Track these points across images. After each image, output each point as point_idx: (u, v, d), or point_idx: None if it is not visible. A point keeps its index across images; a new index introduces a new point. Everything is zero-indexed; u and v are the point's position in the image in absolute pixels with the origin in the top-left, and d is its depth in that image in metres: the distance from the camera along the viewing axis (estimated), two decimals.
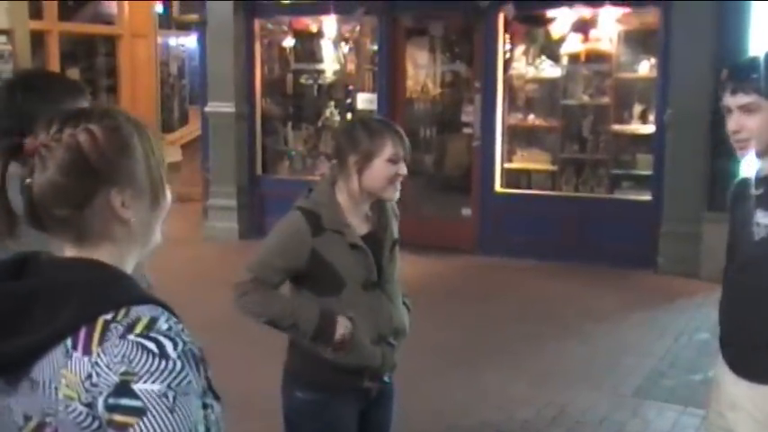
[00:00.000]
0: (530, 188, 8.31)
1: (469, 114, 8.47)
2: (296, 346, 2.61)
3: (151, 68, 14.43)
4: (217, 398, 1.27)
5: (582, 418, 4.51)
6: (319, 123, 9.25)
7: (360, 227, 2.55)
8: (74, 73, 13.24)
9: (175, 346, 1.17)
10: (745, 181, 2.28)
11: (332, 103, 9.17)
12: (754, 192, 2.21)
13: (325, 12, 8.72)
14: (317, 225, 2.48)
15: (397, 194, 2.53)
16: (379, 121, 2.59)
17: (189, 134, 11.29)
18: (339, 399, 2.55)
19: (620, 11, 7.79)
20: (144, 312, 1.19)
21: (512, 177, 8.36)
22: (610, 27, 7.87)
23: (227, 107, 8.90)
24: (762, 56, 2.20)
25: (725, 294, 2.32)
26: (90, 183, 1.23)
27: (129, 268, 1.30)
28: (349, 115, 8.83)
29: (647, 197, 7.73)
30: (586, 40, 8.05)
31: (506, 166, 8.33)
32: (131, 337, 1.15)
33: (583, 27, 8.01)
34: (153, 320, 1.18)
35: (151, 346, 1.15)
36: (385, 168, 2.48)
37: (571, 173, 8.17)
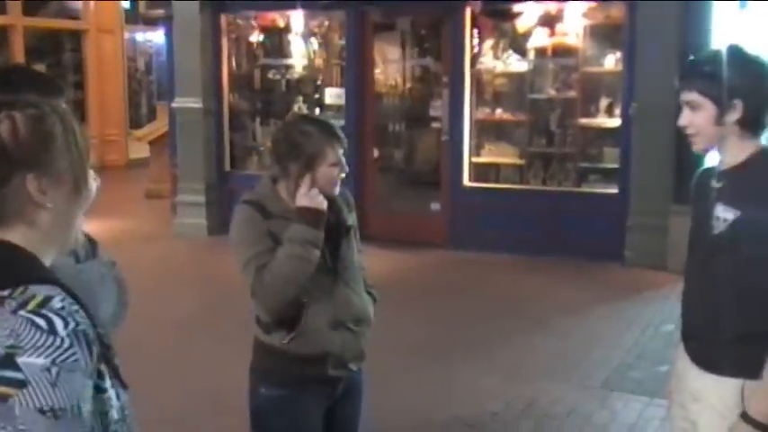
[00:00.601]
0: (498, 182, 8.32)
1: (438, 109, 8.47)
2: (260, 342, 2.61)
3: (118, 64, 14.30)
4: (124, 386, 1.33)
5: (550, 411, 4.53)
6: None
7: None
8: (39, 69, 13.06)
9: (66, 324, 1.20)
10: (708, 171, 2.30)
11: (300, 98, 9.12)
12: (715, 185, 2.22)
13: (292, 6, 8.67)
14: (263, 211, 2.53)
15: (337, 190, 2.58)
16: (317, 123, 2.58)
17: (157, 130, 11.16)
18: (304, 394, 2.56)
19: (585, 5, 7.84)
20: (40, 291, 1.22)
21: (480, 171, 8.37)
22: (576, 22, 7.91)
23: (195, 103, 8.83)
24: (704, 54, 2.24)
25: (686, 287, 2.34)
26: (4, 166, 1.26)
27: (45, 255, 1.32)
28: (317, 110, 8.79)
29: (614, 190, 7.77)
30: (553, 34, 8.07)
31: (474, 160, 8.34)
32: (22, 312, 1.19)
33: (549, 21, 8.04)
34: (47, 299, 1.21)
35: (41, 322, 1.19)
36: (327, 173, 2.52)
37: (539, 167, 8.20)
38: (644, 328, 5.87)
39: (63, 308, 1.21)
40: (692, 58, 2.29)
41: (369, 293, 2.75)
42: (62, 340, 1.18)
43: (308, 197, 2.49)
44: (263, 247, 2.50)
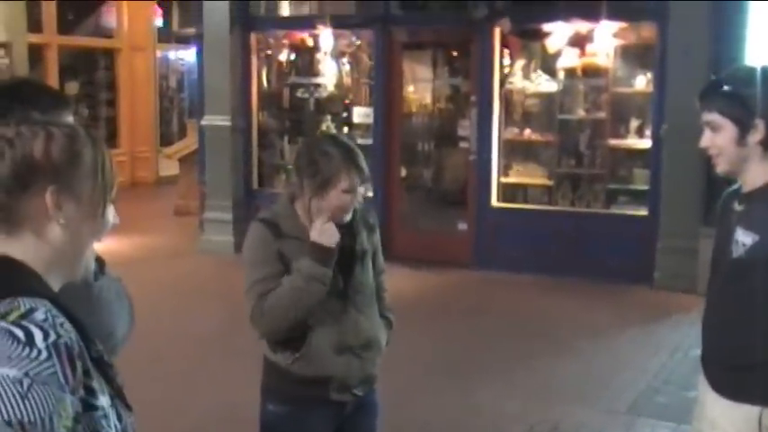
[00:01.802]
0: (526, 203, 8.31)
1: (466, 129, 8.48)
2: (268, 361, 2.62)
3: (150, 82, 14.49)
4: (128, 408, 1.31)
5: None
6: None
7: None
8: (73, 86, 13.30)
9: (46, 336, 1.18)
10: (733, 193, 2.28)
11: (329, 117, 9.17)
12: (737, 207, 2.20)
13: (321, 25, 8.74)
14: (276, 231, 2.53)
15: (348, 217, 2.55)
16: (341, 147, 2.53)
17: (186, 147, 11.28)
18: (309, 412, 2.56)
19: (616, 25, 7.81)
20: (25, 303, 1.22)
21: (508, 192, 8.35)
22: (606, 42, 7.88)
23: (224, 121, 8.92)
24: (725, 74, 2.22)
25: (706, 311, 2.31)
26: (28, 173, 1.29)
27: (51, 273, 1.33)
28: (345, 129, 8.85)
29: (643, 212, 7.72)
30: (583, 54, 8.06)
31: (503, 180, 8.33)
32: (2, 323, 1.18)
33: (579, 41, 8.02)
34: (30, 310, 1.21)
35: (19, 333, 1.18)
36: (338, 198, 2.50)
37: (567, 188, 8.17)
38: (672, 352, 5.80)
39: (46, 320, 1.20)
40: (713, 77, 2.28)
41: (385, 318, 2.74)
42: (39, 352, 1.17)
43: (322, 232, 2.48)
44: (269, 270, 2.51)
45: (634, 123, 8.01)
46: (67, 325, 1.23)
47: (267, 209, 2.63)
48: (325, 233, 2.48)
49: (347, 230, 2.59)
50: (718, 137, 2.16)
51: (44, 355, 1.17)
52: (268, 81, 9.46)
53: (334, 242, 2.48)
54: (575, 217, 7.97)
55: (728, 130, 2.14)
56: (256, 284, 2.52)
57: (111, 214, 1.40)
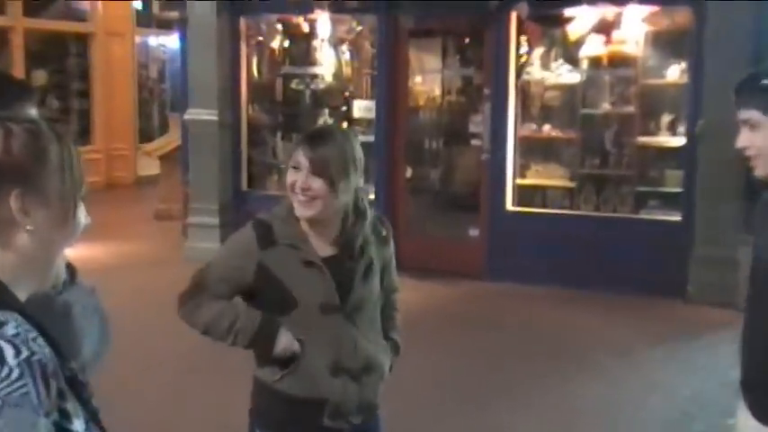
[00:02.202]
0: (545, 207, 8.32)
1: (479, 124, 8.49)
2: (256, 380, 2.65)
3: (128, 71, 14.51)
4: (101, 429, 1.31)
5: None
6: None
7: (323, 248, 2.58)
8: (41, 76, 13.30)
9: (17, 353, 1.18)
10: None
11: (326, 111, 9.21)
12: None
13: (318, 9, 8.76)
14: (266, 237, 2.54)
15: (307, 212, 2.51)
16: (313, 129, 2.66)
17: (168, 144, 11.30)
18: None
19: (647, 9, 7.80)
20: None
21: (525, 195, 8.37)
22: (635, 28, 7.89)
23: (210, 115, 8.94)
24: (766, 67, 2.22)
25: (746, 328, 2.32)
26: None
27: (20, 284, 1.33)
28: (345, 124, 8.86)
29: (675, 217, 7.73)
30: (609, 42, 8.06)
31: (519, 182, 8.35)
32: None
33: (605, 28, 8.03)
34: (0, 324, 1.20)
35: None
36: (288, 174, 2.54)
37: (591, 190, 8.18)
38: (708, 373, 5.80)
39: (17, 335, 1.20)
40: (751, 71, 2.28)
41: (391, 340, 2.75)
42: (10, 370, 1.16)
43: (286, 340, 2.51)
44: (225, 274, 2.58)
45: (666, 119, 8.02)
46: (40, 340, 1.23)
47: (267, 211, 2.65)
48: (284, 342, 2.52)
49: (352, 244, 2.59)
50: (757, 136, 2.17)
51: (16, 373, 1.16)
52: (259, 71, 9.48)
53: (282, 347, 2.51)
54: (599, 223, 7.98)
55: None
56: (204, 273, 2.61)
57: (82, 215, 1.40)
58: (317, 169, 2.46)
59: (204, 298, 2.59)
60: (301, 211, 2.51)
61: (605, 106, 8.25)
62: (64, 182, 1.35)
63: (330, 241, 2.59)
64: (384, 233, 2.70)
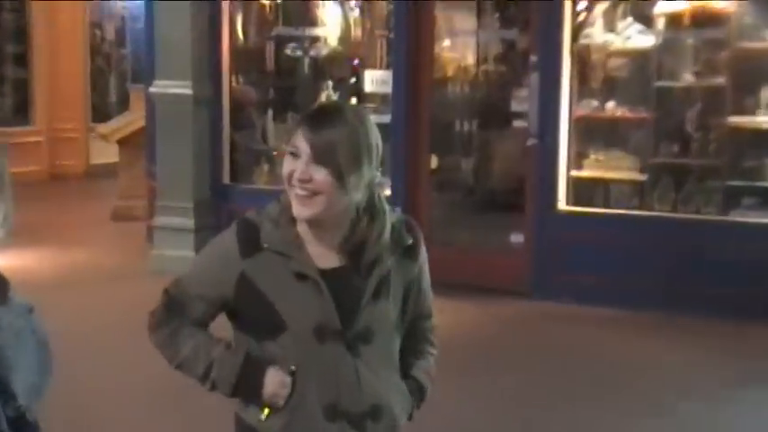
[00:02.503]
0: (607, 206, 8.34)
1: (523, 101, 8.51)
2: (237, 417, 2.66)
3: (78, 32, 14.54)
4: None
5: None
6: None
7: (323, 257, 2.55)
8: None
9: None
10: None
11: (329, 83, 9.22)
12: None
13: None
14: (251, 242, 2.53)
15: (306, 211, 2.49)
16: (318, 106, 2.67)
17: (129, 125, 11.34)
18: None
19: None
20: None
21: (582, 191, 8.38)
22: None
23: (182, 88, 8.93)
24: None
25: None
26: None
27: None
28: (353, 101, 8.90)
29: None
30: None
31: (574, 174, 8.35)
32: None
33: None
34: None
35: None
36: (284, 161, 2.52)
37: (668, 185, 8.17)
38: None
39: None
40: None
41: (412, 379, 2.72)
42: None
43: (275, 382, 2.53)
44: (201, 290, 2.61)
45: (766, 94, 8.01)
46: None
47: (259, 209, 2.63)
48: (275, 386, 2.53)
49: (364, 253, 2.57)
50: None
51: None
52: (245, 33, 9.52)
53: (270, 391, 2.53)
54: (677, 226, 7.98)
55: None
56: (178, 288, 2.65)
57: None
58: (321, 157, 2.42)
59: (180, 323, 2.63)
60: (299, 210, 2.48)
61: (687, 77, 8.24)
62: None
63: (335, 249, 2.56)
64: (410, 242, 2.63)
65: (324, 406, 2.54)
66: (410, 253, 2.64)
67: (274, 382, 2.53)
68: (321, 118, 2.49)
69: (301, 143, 2.45)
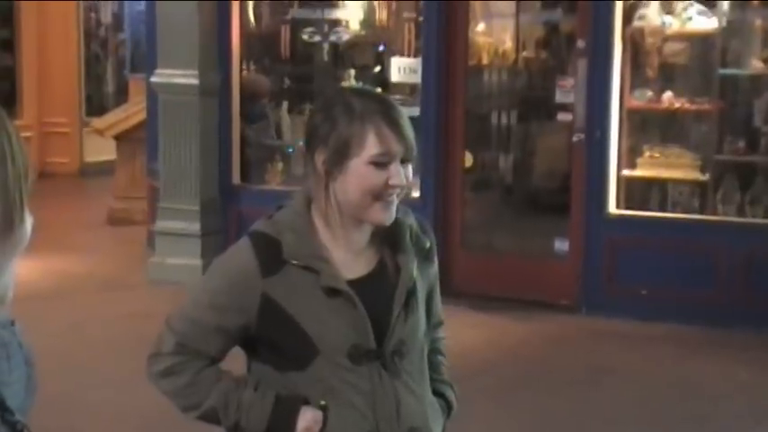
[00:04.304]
0: (664, 210, 8.31)
1: (569, 92, 8.46)
2: None
3: (71, 16, 14.63)
4: None
5: None
6: None
7: (350, 265, 2.56)
8: None
9: None
10: None
11: (352, 72, 9.25)
12: None
13: None
14: (272, 258, 2.51)
15: (390, 217, 2.53)
16: (369, 98, 2.59)
17: (128, 119, 11.36)
18: None
19: None
20: None
21: (636, 192, 8.39)
22: None
23: (188, 77, 8.95)
24: None
25: None
26: None
27: None
28: (379, 90, 8.84)
29: None
30: None
31: (627, 173, 8.34)
32: None
33: None
34: None
35: None
36: (366, 175, 2.48)
37: (733, 185, 8.15)
38: None
39: None
40: None
41: (441, 396, 2.74)
42: None
43: (308, 419, 2.50)
44: (218, 320, 2.56)
45: None
46: None
47: (269, 218, 2.61)
48: (310, 420, 2.50)
49: (390, 258, 2.58)
50: None
51: None
52: (257, 16, 9.54)
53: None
54: (745, 232, 7.96)
55: None
56: (186, 325, 2.59)
57: (28, 215, 1.43)
58: (410, 153, 2.53)
59: (199, 366, 2.57)
60: (386, 216, 2.53)
61: (755, 64, 8.24)
62: (6, 178, 1.39)
63: (355, 254, 2.60)
64: (428, 245, 2.69)
65: None
66: (428, 255, 2.71)
67: (306, 419, 2.51)
68: (394, 111, 2.53)
69: (393, 146, 2.48)
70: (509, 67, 9.20)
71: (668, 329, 7.70)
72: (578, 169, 8.36)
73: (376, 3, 9.30)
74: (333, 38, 9.36)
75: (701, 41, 8.39)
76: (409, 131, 2.51)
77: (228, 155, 9.27)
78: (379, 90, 8.65)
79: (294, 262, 2.50)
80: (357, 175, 2.48)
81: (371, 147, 2.47)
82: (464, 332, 6.69)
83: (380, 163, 2.47)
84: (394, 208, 2.53)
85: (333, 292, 2.50)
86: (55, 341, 6.64)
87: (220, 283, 2.62)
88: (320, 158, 2.52)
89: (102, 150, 12.88)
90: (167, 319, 2.62)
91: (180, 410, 2.64)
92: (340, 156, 2.48)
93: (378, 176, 2.48)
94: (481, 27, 9.11)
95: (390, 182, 2.48)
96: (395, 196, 2.51)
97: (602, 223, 8.24)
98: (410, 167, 2.54)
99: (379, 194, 2.49)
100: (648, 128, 8.53)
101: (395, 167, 2.48)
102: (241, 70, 9.34)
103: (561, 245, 8.50)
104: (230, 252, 2.63)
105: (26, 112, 14.06)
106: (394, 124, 2.48)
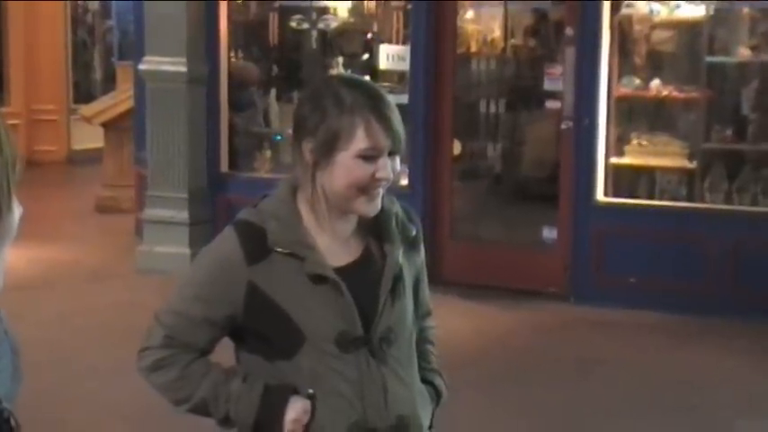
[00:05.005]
0: (652, 197, 8.32)
1: (557, 79, 8.46)
2: None
3: (58, 2, 14.55)
4: None
5: None
6: None
7: (336, 253, 2.57)
8: None
9: None
10: None
11: (340, 59, 9.24)
12: None
13: None
14: (257, 247, 2.51)
15: (375, 208, 2.54)
16: (360, 88, 2.58)
17: (115, 106, 11.34)
18: None
19: None
20: None
21: (624, 180, 8.40)
22: None
23: (175, 64, 8.93)
24: None
25: None
26: None
27: None
28: (367, 78, 8.84)
29: None
30: None
31: (615, 161, 8.35)
32: None
33: None
34: None
35: None
36: (353, 168, 2.49)
37: (721, 173, 8.15)
38: None
39: None
40: None
41: (430, 384, 2.75)
42: None
43: (296, 409, 2.49)
44: (205, 312, 2.56)
45: None
46: None
47: (253, 207, 2.61)
48: (299, 409, 2.50)
49: (375, 245, 2.59)
50: None
51: None
52: (245, 4, 9.51)
53: (290, 423, 2.49)
54: (733, 221, 7.95)
55: None
56: (174, 318, 2.59)
57: (15, 204, 1.45)
58: (398, 145, 2.54)
59: (188, 359, 2.59)
60: (371, 208, 2.54)
61: (743, 52, 8.24)
62: None
63: (341, 243, 2.60)
64: (413, 233, 2.70)
65: (348, 426, 2.54)
66: (414, 243, 2.72)
67: (295, 409, 2.50)
68: (384, 101, 2.53)
69: (381, 140, 2.48)
70: (497, 55, 9.22)
71: (656, 317, 7.71)
72: (566, 157, 8.38)
73: None
74: (321, 25, 9.36)
75: (688, 29, 8.40)
76: (398, 125, 2.51)
77: (217, 143, 9.26)
78: (367, 78, 8.72)
79: (279, 249, 2.50)
80: (344, 167, 2.49)
81: (360, 141, 2.48)
82: (453, 321, 6.69)
83: (368, 156, 2.48)
84: (379, 200, 2.54)
85: (319, 279, 2.51)
86: (42, 330, 6.64)
87: (206, 274, 2.62)
88: (308, 148, 2.52)
89: (89, 138, 12.86)
90: (156, 312, 2.63)
91: (171, 404, 2.64)
92: (328, 148, 2.49)
93: (365, 170, 2.49)
94: (470, 15, 9.11)
95: (377, 175, 2.49)
96: (380, 189, 2.52)
97: (590, 212, 8.25)
98: (398, 159, 2.55)
99: (366, 187, 2.50)
100: (636, 116, 8.55)
101: (382, 161, 2.49)
102: (229, 58, 9.33)
103: (549, 233, 8.51)
104: (215, 242, 2.63)
105: (13, 100, 14.04)
106: (383, 118, 2.49)
